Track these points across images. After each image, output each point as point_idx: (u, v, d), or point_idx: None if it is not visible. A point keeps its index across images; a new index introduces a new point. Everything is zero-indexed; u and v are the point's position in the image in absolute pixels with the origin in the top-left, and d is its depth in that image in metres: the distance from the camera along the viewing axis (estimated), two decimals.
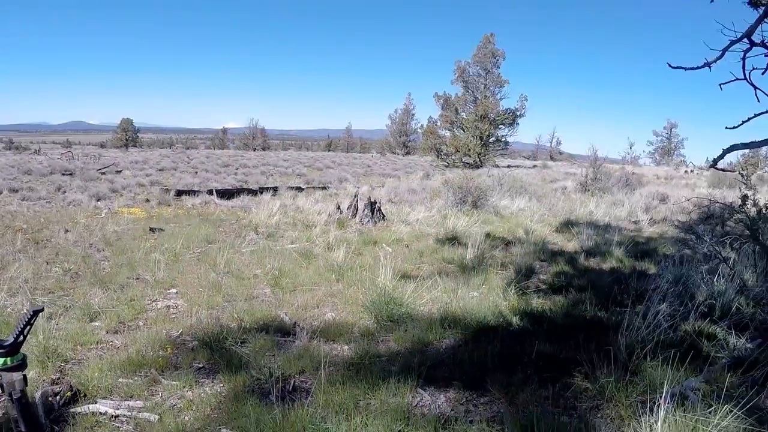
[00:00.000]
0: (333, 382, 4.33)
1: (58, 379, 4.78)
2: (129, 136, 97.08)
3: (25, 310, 2.31)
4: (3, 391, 2.29)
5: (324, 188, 22.46)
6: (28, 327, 2.29)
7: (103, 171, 34.42)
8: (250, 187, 22.23)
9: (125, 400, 4.37)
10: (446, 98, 58.46)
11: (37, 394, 4.32)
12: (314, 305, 6.67)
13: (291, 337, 5.60)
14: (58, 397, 4.31)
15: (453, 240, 10.55)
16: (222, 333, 5.39)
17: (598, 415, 4.10)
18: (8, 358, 2.25)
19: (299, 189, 21.47)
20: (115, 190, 23.51)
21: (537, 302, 6.80)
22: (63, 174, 31.89)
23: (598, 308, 6.49)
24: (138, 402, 4.32)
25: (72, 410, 4.11)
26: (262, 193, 19.96)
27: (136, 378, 4.73)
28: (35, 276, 7.94)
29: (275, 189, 20.87)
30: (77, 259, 9.07)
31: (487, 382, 4.51)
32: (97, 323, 6.13)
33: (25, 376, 2.30)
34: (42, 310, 2.35)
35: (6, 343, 2.25)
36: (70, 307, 6.73)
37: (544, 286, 7.61)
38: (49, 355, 4.99)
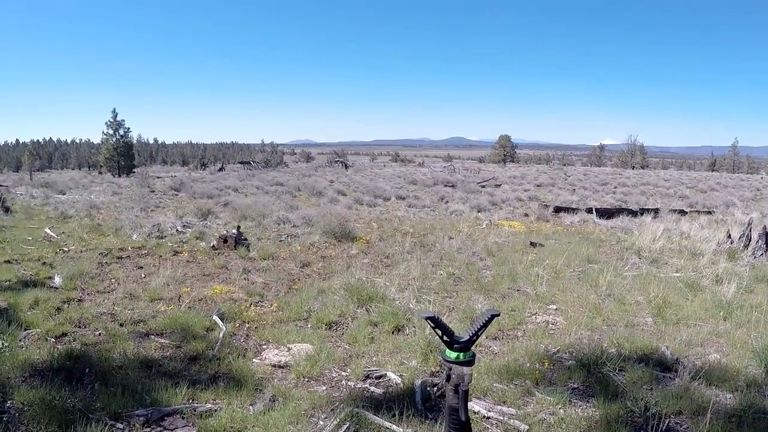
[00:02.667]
0: (712, 431, 4.00)
1: (438, 372, 5.15)
2: (507, 151, 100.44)
3: (483, 311, 2.49)
4: (448, 382, 2.47)
5: (709, 213, 20.77)
6: (484, 328, 2.45)
7: (482, 184, 36.17)
8: (630, 208, 21.45)
9: (498, 404, 4.53)
10: None
11: (417, 382, 4.68)
12: (698, 343, 6.17)
13: (671, 374, 5.27)
14: (435, 388, 4.62)
15: None
16: (601, 357, 5.27)
17: None
18: (462, 353, 2.43)
19: (682, 212, 20.18)
20: (495, 203, 24.48)
21: None
22: (445, 185, 34.29)
23: None
24: (510, 409, 4.44)
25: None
26: (642, 214, 19.14)
27: (510, 386, 4.88)
28: (422, 276, 8.62)
29: (656, 211, 19.90)
30: (460, 265, 9.62)
31: None
32: (469, 326, 6.43)
33: (471, 372, 2.47)
34: (498, 314, 2.50)
35: (462, 340, 2.44)
36: (453, 308, 7.19)
37: None
38: (432, 349, 5.41)
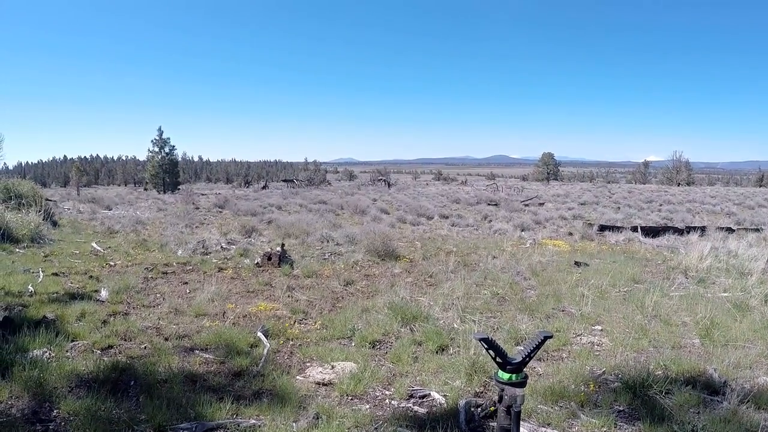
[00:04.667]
0: None
1: (482, 392, 5.12)
2: (550, 169, 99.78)
3: (536, 333, 2.49)
4: (500, 403, 2.48)
5: (757, 230, 20.26)
6: (537, 350, 2.46)
7: (526, 203, 36.01)
8: (676, 226, 21.10)
9: (542, 426, 4.48)
10: None
11: (461, 403, 4.65)
12: (747, 365, 6.00)
13: (718, 397, 5.13)
14: (479, 409, 4.59)
15: None
16: (647, 379, 5.18)
17: None
18: (514, 375, 2.44)
19: (729, 230, 19.74)
20: (539, 221, 24.29)
21: None
22: (488, 204, 34.29)
23: None
24: (555, 431, 4.39)
25: (491, 424, 4.34)
26: (688, 232, 18.79)
27: (555, 407, 4.82)
28: (465, 295, 8.58)
29: (703, 229, 19.51)
30: (504, 285, 9.56)
31: None
32: (521, 347, 6.36)
33: (523, 393, 2.47)
34: (551, 336, 2.51)
35: (515, 361, 2.45)
36: (497, 328, 7.14)
37: None
38: (477, 370, 5.37)
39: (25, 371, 4.85)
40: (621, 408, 4.88)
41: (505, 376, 2.46)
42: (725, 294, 9.35)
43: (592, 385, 5.27)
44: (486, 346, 2.42)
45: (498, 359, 2.46)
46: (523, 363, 2.46)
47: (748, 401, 4.89)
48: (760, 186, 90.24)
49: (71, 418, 4.23)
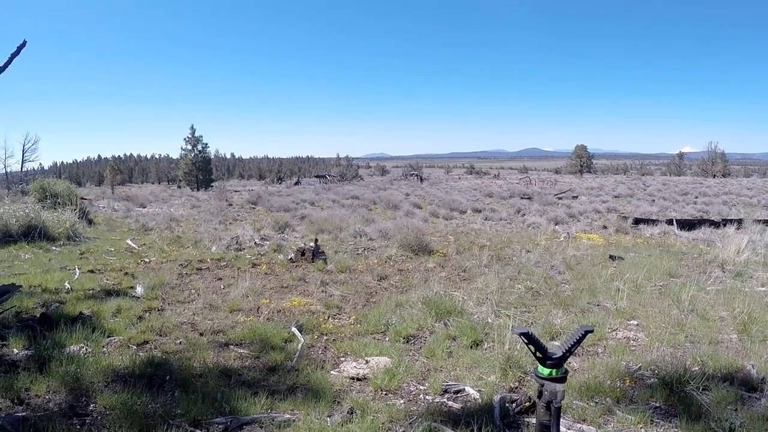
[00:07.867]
0: None
1: (517, 388, 5.10)
2: (583, 162, 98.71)
3: (576, 328, 2.48)
4: (540, 398, 2.47)
5: None
6: (577, 344, 2.45)
7: (559, 196, 35.69)
8: (712, 218, 20.76)
9: (577, 422, 4.44)
10: None
11: (496, 398, 4.64)
12: None
13: (756, 394, 5.04)
14: (514, 405, 4.57)
15: None
16: (684, 375, 5.09)
17: None
18: (555, 370, 2.43)
19: (767, 222, 19.37)
20: (572, 215, 24.10)
21: None
22: (521, 197, 34.09)
23: None
24: (590, 427, 4.36)
25: (526, 419, 4.32)
26: (725, 225, 18.47)
27: (590, 403, 4.78)
28: (499, 290, 8.53)
29: (740, 221, 19.16)
30: (539, 279, 9.50)
31: None
32: (557, 343, 6.30)
33: (564, 389, 2.46)
34: (592, 330, 2.50)
35: (555, 356, 2.44)
36: (532, 323, 7.10)
37: None
38: (511, 365, 5.35)
39: (63, 366, 4.95)
40: (657, 404, 4.82)
41: (546, 371, 2.44)
42: (763, 288, 9.17)
43: (627, 381, 5.21)
44: (526, 341, 2.41)
45: (538, 354, 2.45)
46: (564, 358, 2.44)
47: None
48: None
49: (108, 413, 4.31)
